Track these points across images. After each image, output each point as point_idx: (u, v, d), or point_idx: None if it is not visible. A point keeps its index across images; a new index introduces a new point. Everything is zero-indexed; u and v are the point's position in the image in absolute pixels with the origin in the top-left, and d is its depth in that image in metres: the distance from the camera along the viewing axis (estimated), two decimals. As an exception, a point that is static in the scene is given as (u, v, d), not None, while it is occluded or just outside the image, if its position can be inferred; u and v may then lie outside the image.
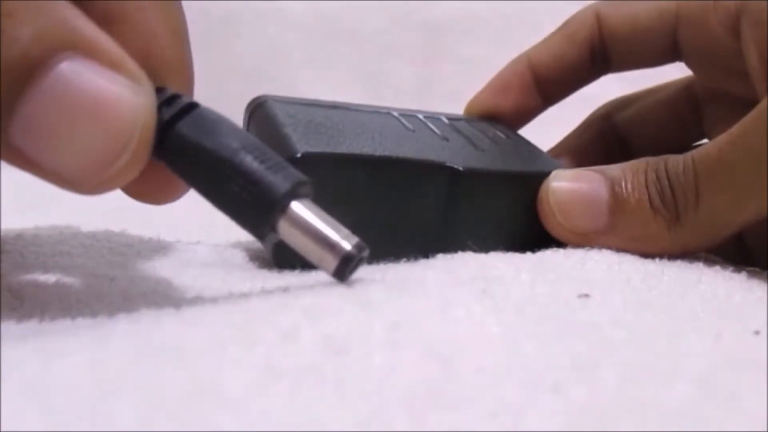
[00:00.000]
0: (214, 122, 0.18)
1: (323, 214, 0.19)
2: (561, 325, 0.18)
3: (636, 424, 0.14)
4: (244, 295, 0.22)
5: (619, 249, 0.25)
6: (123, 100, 0.16)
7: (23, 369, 0.14)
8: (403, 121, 0.29)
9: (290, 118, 0.26)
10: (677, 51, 0.31)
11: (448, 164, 0.26)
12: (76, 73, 0.16)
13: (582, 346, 0.17)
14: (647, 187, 0.25)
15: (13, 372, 0.13)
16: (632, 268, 0.23)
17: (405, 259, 0.26)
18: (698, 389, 0.15)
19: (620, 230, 0.26)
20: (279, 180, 0.18)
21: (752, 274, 0.24)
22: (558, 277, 0.22)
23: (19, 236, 0.32)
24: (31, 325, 0.19)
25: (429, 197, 0.26)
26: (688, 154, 0.25)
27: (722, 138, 0.24)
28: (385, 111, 0.30)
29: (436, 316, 0.18)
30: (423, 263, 0.25)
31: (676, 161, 0.25)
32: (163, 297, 0.22)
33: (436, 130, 0.29)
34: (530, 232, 0.27)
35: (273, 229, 0.18)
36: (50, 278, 0.24)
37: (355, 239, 0.19)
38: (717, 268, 0.24)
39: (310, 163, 0.24)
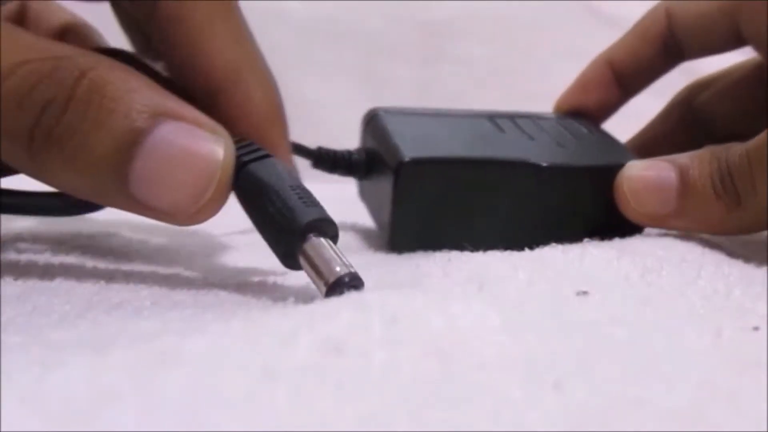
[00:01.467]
0: (278, 167, 0.23)
1: (337, 249, 0.21)
2: (560, 322, 0.18)
3: (637, 423, 0.14)
4: (243, 302, 0.22)
5: (686, 231, 0.28)
6: (206, 148, 0.21)
7: (22, 376, 0.14)
8: (497, 123, 0.33)
9: (398, 128, 0.32)
10: (742, 37, 0.34)
11: (532, 161, 0.30)
12: (171, 133, 0.21)
13: (582, 344, 0.17)
14: (711, 175, 0.28)
15: (12, 379, 0.13)
16: (631, 263, 0.23)
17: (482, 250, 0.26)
18: (698, 388, 0.15)
19: (688, 213, 0.28)
20: (307, 212, 0.22)
21: (751, 269, 0.24)
22: (556, 275, 0.22)
23: (18, 237, 0.32)
24: (30, 328, 0.19)
25: (517, 191, 0.30)
26: (745, 145, 0.27)
27: None
28: (482, 115, 0.34)
29: (435, 311, 0.18)
30: (418, 266, 0.25)
31: (735, 151, 0.28)
32: (163, 299, 0.22)
33: (524, 129, 0.33)
34: (609, 220, 0.30)
35: (295, 251, 0.22)
36: (50, 279, 0.24)
37: (353, 270, 0.21)
38: (716, 262, 0.24)
39: (414, 166, 0.29)
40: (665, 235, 0.29)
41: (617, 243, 0.26)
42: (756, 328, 0.19)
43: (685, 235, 0.28)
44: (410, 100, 0.58)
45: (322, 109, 0.52)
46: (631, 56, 0.36)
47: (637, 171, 0.30)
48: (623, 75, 0.36)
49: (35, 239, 0.32)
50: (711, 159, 0.28)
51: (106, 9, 0.29)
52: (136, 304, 0.22)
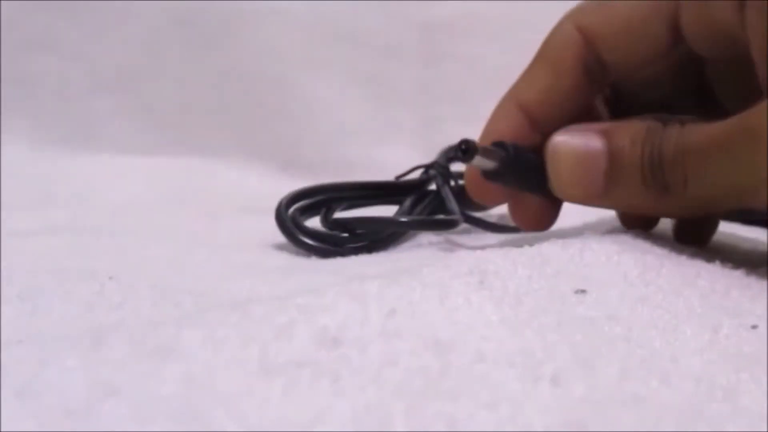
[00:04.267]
0: None
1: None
2: (558, 319, 0.18)
3: (634, 420, 0.14)
4: (241, 296, 0.22)
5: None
6: None
7: (19, 371, 0.14)
8: None
9: None
10: (680, 39, 0.28)
11: None
12: None
13: (580, 340, 0.17)
14: (642, 162, 0.26)
15: (8, 374, 0.14)
16: (630, 261, 0.23)
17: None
18: (696, 386, 0.15)
19: (613, 197, 0.27)
20: None
21: (751, 271, 0.24)
22: (555, 272, 0.22)
23: (20, 236, 0.32)
24: (30, 327, 0.19)
25: None
26: (681, 132, 0.25)
27: (717, 124, 0.24)
28: None
29: (434, 304, 0.18)
30: (421, 255, 0.25)
31: (670, 138, 0.25)
32: (161, 295, 0.22)
33: None
34: None
35: None
36: (49, 279, 0.24)
37: None
38: (716, 263, 0.24)
39: None
40: (667, 230, 0.29)
41: (618, 238, 0.26)
42: (754, 327, 0.19)
43: None
44: (412, 100, 0.58)
45: (323, 109, 0.52)
46: (546, 97, 0.29)
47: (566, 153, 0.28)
48: (540, 121, 0.29)
49: (36, 239, 0.32)
50: (645, 142, 0.26)
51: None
52: (135, 305, 0.22)
